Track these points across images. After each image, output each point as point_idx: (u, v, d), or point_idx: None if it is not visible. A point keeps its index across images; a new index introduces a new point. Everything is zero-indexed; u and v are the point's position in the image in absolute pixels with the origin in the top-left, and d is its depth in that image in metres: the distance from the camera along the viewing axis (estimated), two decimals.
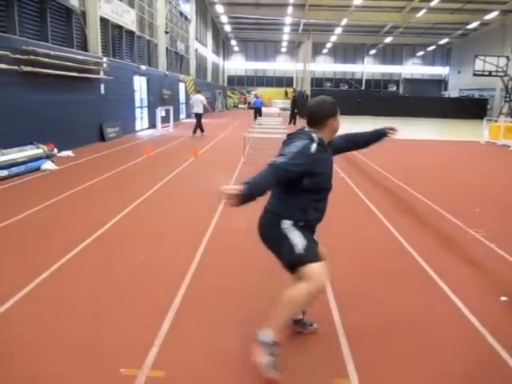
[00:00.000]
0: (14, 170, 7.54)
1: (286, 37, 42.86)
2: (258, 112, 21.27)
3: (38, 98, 9.35)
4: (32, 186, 7.02)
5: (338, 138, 2.64)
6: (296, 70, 43.95)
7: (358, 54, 47.90)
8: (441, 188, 7.50)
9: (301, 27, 37.05)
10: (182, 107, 24.57)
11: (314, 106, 2.46)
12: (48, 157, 8.62)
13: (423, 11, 29.48)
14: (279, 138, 9.50)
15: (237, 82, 48.31)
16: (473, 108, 31.13)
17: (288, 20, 34.51)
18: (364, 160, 10.32)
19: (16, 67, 8.50)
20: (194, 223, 5.13)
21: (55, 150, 9.47)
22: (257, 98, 23.56)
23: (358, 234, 4.88)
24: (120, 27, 15.02)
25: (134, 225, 5.04)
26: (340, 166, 8.76)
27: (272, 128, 13.14)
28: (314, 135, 2.37)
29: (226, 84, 47.68)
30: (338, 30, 36.96)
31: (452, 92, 41.84)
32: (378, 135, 2.83)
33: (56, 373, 2.36)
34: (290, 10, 30.30)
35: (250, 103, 40.85)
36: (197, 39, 30.01)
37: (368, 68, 48.35)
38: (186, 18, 26.28)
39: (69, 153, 10.01)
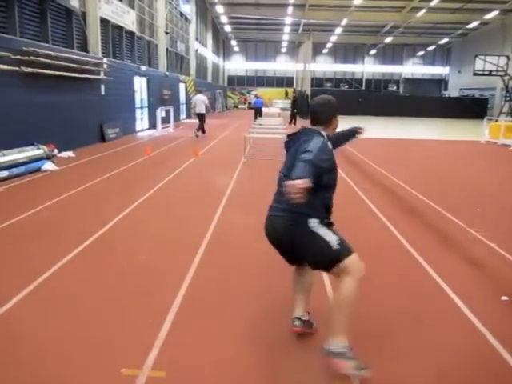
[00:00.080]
0: (15, 170, 7.55)
1: (286, 37, 42.84)
2: (258, 112, 21.28)
3: (38, 98, 9.36)
4: (32, 187, 7.03)
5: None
6: (296, 70, 43.92)
7: (358, 53, 47.89)
8: (441, 187, 7.49)
9: (301, 27, 37.04)
10: (183, 108, 24.58)
11: (320, 105, 2.52)
12: (48, 157, 8.63)
13: (423, 11, 29.46)
14: (279, 138, 9.52)
15: (237, 82, 48.31)
16: (473, 108, 31.14)
17: (288, 20, 34.49)
18: (363, 159, 10.33)
19: (16, 68, 8.50)
20: (194, 223, 5.14)
21: (56, 151, 9.48)
22: (257, 98, 23.55)
23: (357, 234, 4.87)
24: (120, 28, 15.03)
25: (135, 225, 5.05)
26: (339, 165, 8.75)
27: (272, 128, 13.15)
28: (324, 133, 2.46)
29: (226, 84, 47.67)
30: (338, 30, 36.95)
31: (452, 92, 41.83)
32: (351, 134, 3.00)
33: (57, 373, 2.36)
34: (290, 10, 30.28)
35: (250, 103, 40.86)
36: (197, 39, 30.02)
37: (368, 68, 48.34)
38: (186, 18, 26.29)
39: (69, 153, 10.02)
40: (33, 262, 3.86)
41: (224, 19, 35.51)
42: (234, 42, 46.22)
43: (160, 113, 17.08)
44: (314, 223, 2.35)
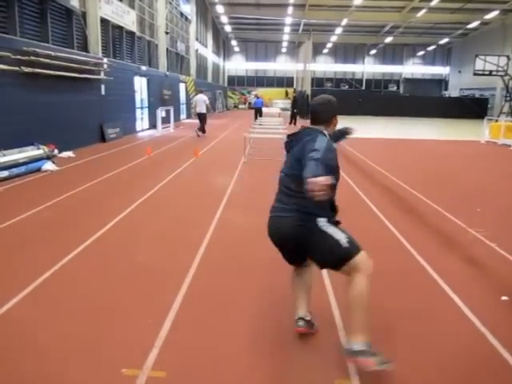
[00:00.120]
0: (15, 170, 7.55)
1: (286, 37, 42.85)
2: (258, 112, 21.28)
3: (38, 98, 9.37)
4: (33, 187, 7.03)
5: None
6: (296, 70, 43.87)
7: (358, 53, 47.88)
8: (441, 187, 7.49)
9: (301, 27, 37.05)
10: (183, 108, 24.58)
11: (320, 104, 2.54)
12: (49, 157, 8.63)
13: (423, 11, 29.46)
14: (279, 138, 9.52)
15: (237, 82, 48.29)
16: (473, 107, 31.13)
17: (288, 20, 34.50)
18: (363, 159, 10.32)
19: (17, 68, 8.50)
20: (194, 223, 5.14)
21: (56, 151, 9.49)
22: (257, 98, 23.55)
23: (357, 233, 4.86)
24: (120, 28, 15.03)
25: (135, 225, 5.05)
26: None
27: (272, 128, 13.16)
28: (326, 132, 2.47)
29: (226, 84, 47.67)
30: (339, 30, 36.95)
31: (452, 92, 41.83)
32: (341, 135, 3.03)
33: (57, 373, 2.36)
34: (290, 10, 30.29)
35: (250, 103, 40.86)
36: (197, 40, 30.02)
37: (368, 68, 48.32)
38: (186, 18, 26.30)
39: (69, 153, 10.02)
40: (33, 262, 3.87)
41: (224, 19, 35.52)
42: (234, 42, 46.21)
43: (160, 113, 17.08)
44: (322, 222, 2.38)
